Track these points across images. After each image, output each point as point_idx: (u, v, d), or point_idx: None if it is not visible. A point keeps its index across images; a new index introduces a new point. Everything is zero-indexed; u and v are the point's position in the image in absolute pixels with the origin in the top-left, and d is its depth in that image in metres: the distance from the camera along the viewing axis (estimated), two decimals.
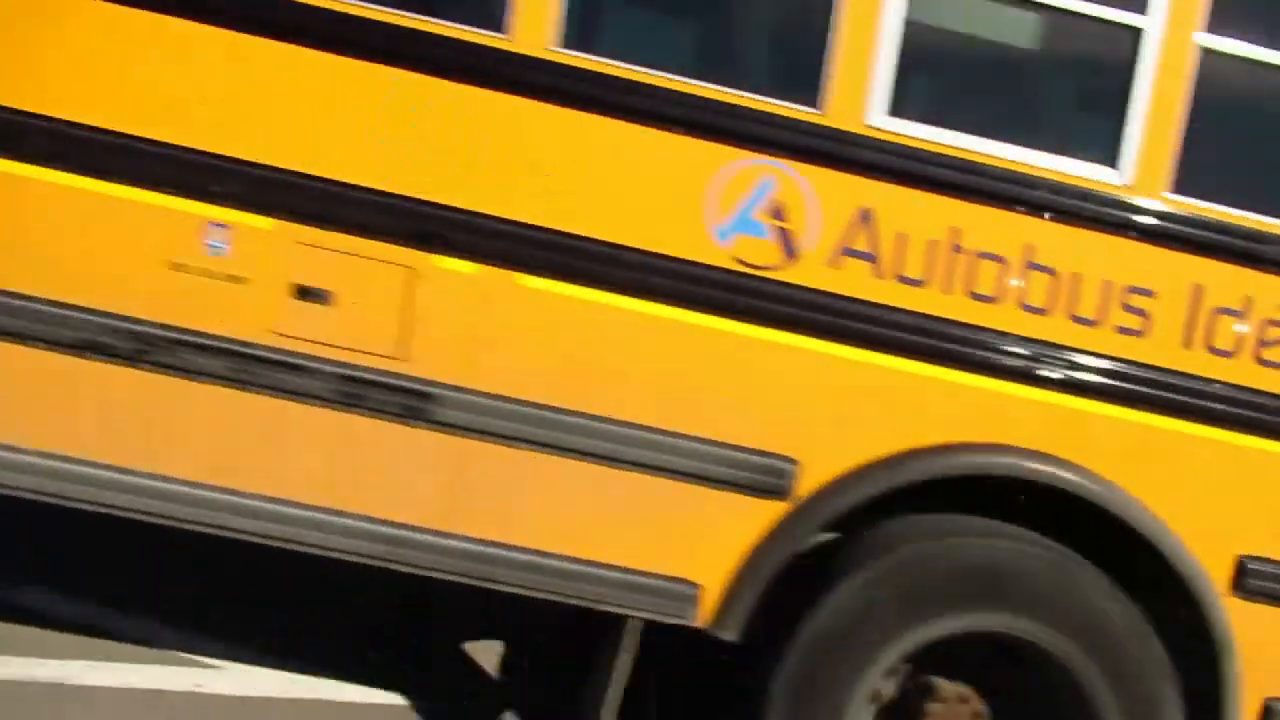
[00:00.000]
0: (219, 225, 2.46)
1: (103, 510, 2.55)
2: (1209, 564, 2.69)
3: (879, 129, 2.52)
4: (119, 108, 2.41)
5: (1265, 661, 2.73)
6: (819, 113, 2.52)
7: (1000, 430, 2.64)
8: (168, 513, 2.54)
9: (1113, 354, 2.62)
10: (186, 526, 2.57)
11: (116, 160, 2.43)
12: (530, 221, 2.50)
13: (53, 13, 2.40)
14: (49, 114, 2.40)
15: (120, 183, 2.43)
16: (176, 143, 2.43)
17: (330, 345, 2.51)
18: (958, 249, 2.57)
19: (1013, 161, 2.57)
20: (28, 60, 2.40)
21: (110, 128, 2.41)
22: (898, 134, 2.53)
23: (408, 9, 2.43)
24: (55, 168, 2.42)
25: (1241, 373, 2.66)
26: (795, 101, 2.52)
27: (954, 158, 2.55)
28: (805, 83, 2.51)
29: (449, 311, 2.53)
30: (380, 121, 2.48)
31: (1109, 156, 2.59)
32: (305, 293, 2.48)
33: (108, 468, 2.51)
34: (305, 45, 2.43)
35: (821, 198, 2.53)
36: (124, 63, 2.42)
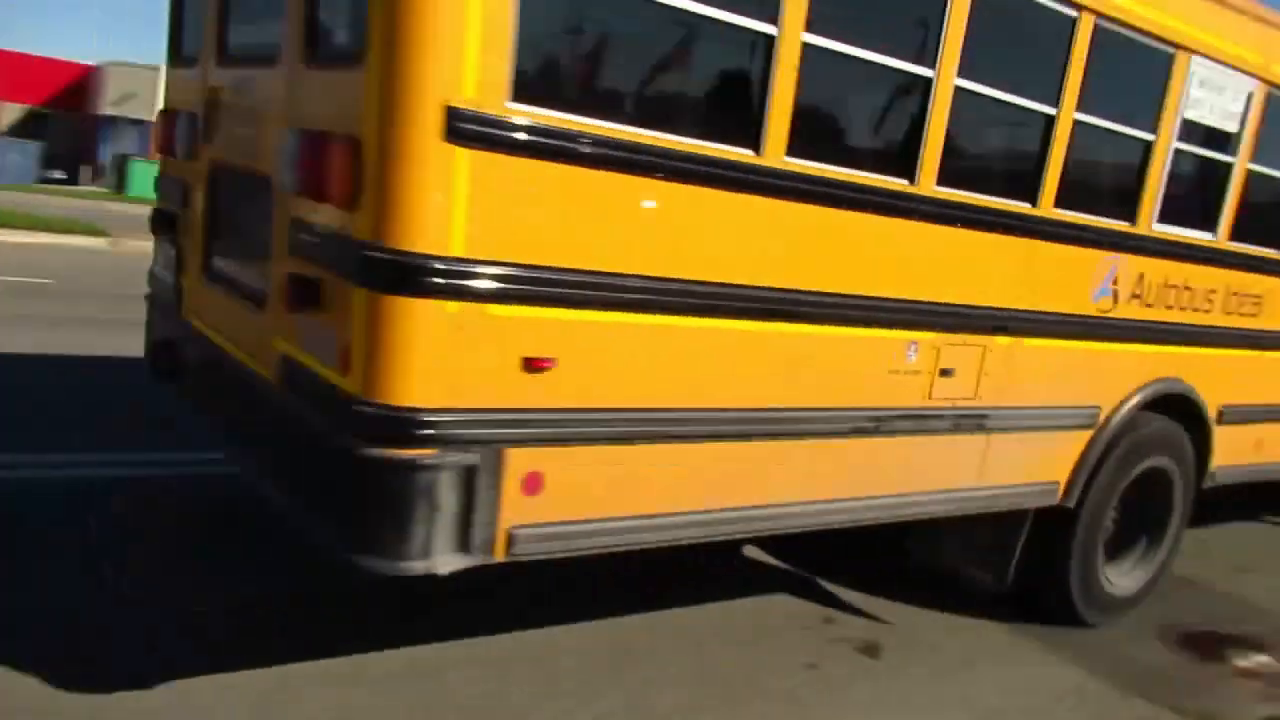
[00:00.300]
0: (913, 343, 4.01)
1: (836, 528, 4.09)
2: (1210, 411, 5.60)
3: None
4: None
5: (1224, 449, 5.78)
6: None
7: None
8: (870, 518, 4.19)
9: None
10: (871, 523, 4.21)
11: (872, 314, 3.87)
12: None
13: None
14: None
15: (873, 328, 3.90)
16: (895, 297, 3.92)
17: (952, 400, 4.24)
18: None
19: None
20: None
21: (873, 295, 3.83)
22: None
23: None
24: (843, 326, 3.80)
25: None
26: None
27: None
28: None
29: (996, 365, 4.37)
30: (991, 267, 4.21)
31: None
32: (944, 372, 4.16)
33: (842, 500, 4.05)
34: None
35: None
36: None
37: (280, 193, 3.34)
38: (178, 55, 4.76)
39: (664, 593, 4.93)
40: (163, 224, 4.69)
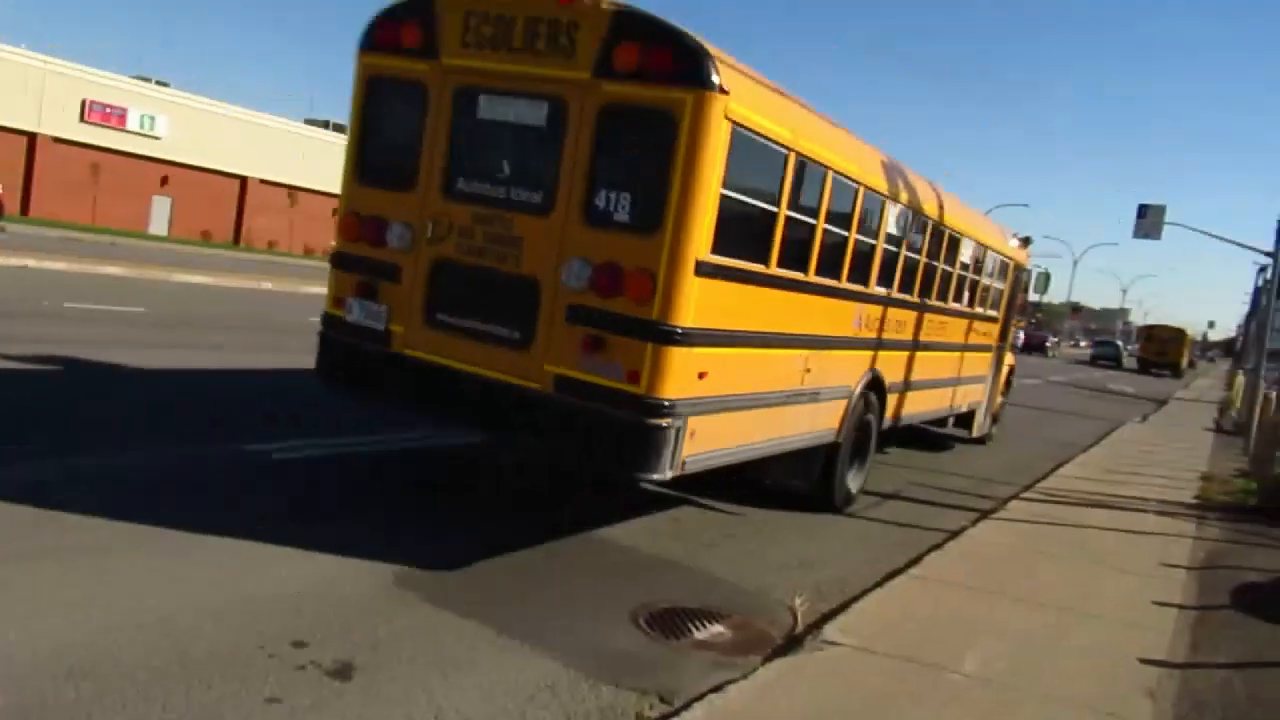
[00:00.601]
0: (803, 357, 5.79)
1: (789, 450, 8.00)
2: (888, 385, 9.76)
3: None
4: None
5: (892, 407, 10.14)
6: None
7: None
8: (794, 447, 8.02)
9: None
10: (792, 449, 8.05)
11: (835, 346, 7.73)
12: None
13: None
14: None
15: (837, 350, 8.24)
16: (852, 336, 7.75)
17: (809, 383, 7.86)
18: None
19: None
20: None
21: None
22: None
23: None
24: None
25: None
26: None
27: None
28: None
29: (819, 364, 7.93)
30: None
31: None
32: (807, 370, 7.60)
33: (794, 436, 7.98)
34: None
35: None
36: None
37: (558, 287, 6.05)
38: (361, 176, 6.94)
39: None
40: (362, 290, 6.81)
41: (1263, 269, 34.78)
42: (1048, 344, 72.27)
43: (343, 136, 51.43)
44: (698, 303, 5.96)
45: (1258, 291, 37.27)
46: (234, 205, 50.80)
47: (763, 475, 8.55)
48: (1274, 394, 18.21)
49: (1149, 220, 30.76)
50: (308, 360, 7.57)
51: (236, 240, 49.72)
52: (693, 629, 5.64)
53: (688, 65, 5.77)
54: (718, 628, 5.73)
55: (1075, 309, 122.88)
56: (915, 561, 7.47)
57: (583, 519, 7.46)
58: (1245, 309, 47.77)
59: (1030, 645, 5.91)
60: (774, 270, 6.95)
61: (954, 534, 8.65)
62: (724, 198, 6.03)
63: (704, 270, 5.96)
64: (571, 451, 6.32)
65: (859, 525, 8.86)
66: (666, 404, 5.89)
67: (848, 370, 8.65)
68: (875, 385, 9.29)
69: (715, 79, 5.75)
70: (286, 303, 23.05)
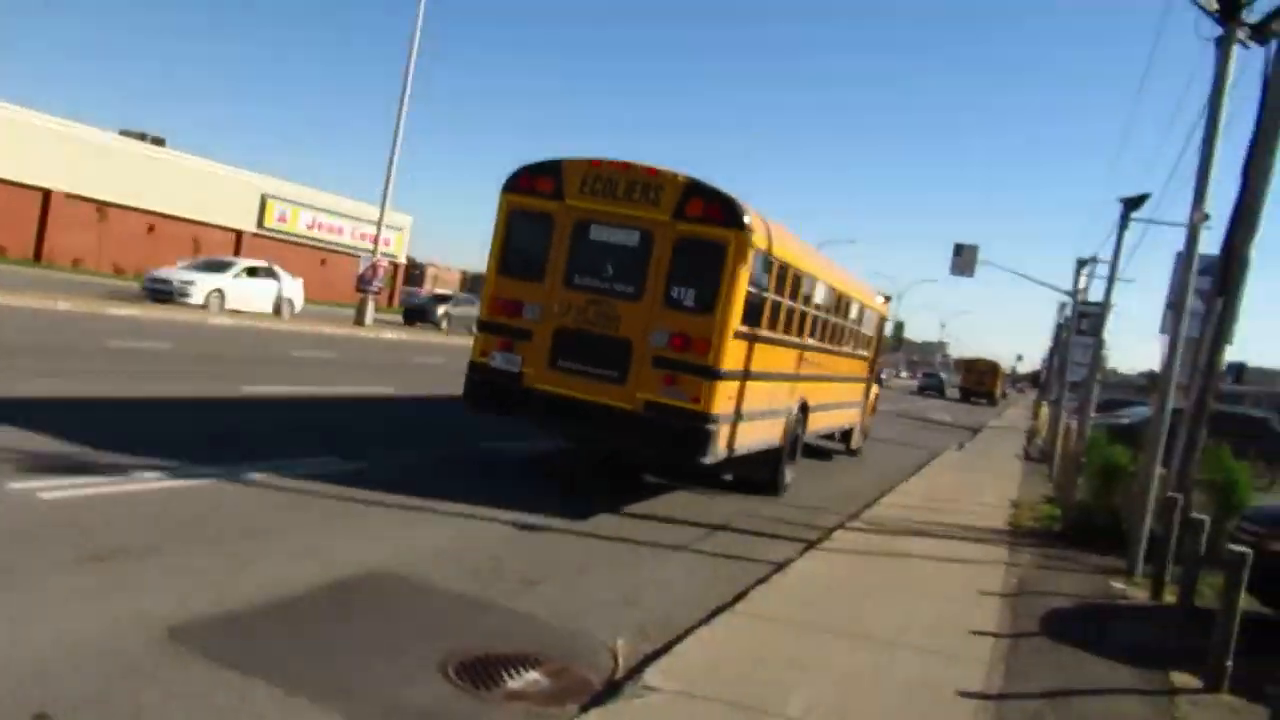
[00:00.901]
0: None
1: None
2: (811, 405, 13.84)
3: None
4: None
5: (810, 424, 14.16)
6: None
7: None
8: (764, 447, 11.89)
9: None
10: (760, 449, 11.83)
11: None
12: None
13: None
14: None
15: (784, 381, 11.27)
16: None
17: (781, 404, 12.46)
18: None
19: None
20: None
21: None
22: None
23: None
24: None
25: None
26: None
27: None
28: None
29: (777, 392, 12.04)
30: None
31: None
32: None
33: (770, 441, 12.17)
34: None
35: None
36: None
37: (646, 347, 9.92)
38: (503, 270, 10.68)
39: None
40: (504, 346, 10.47)
41: (1063, 306, 37.18)
42: (883, 376, 76.19)
43: (162, 150, 48.32)
44: (731, 355, 10.04)
45: (1059, 327, 39.85)
46: (35, 220, 47.12)
47: (722, 473, 12.14)
48: (1074, 424, 19.31)
49: (964, 259, 32.38)
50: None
51: (37, 257, 46.05)
52: (506, 677, 5.25)
53: (733, 217, 9.93)
54: (533, 675, 5.37)
55: (899, 342, 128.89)
56: (741, 596, 7.32)
57: (393, 559, 6.97)
58: (1049, 343, 51.06)
59: (855, 683, 5.80)
60: (764, 332, 11.10)
61: (780, 566, 8.58)
62: (748, 293, 10.17)
63: (738, 335, 10.17)
64: (655, 447, 10.34)
65: (686, 559, 8.68)
66: (715, 415, 9.87)
67: (789, 396, 12.75)
68: (803, 407, 13.44)
69: (748, 225, 9.95)
70: (87, 324, 21.27)
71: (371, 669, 5.02)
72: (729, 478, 12.47)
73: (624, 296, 10.09)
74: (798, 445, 13.61)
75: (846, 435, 19.17)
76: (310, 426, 12.31)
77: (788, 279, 11.62)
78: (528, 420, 11.08)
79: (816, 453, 18.48)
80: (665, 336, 9.87)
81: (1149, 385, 60.60)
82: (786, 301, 11.77)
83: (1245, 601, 6.70)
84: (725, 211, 9.88)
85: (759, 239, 10.16)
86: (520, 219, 10.61)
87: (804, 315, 12.84)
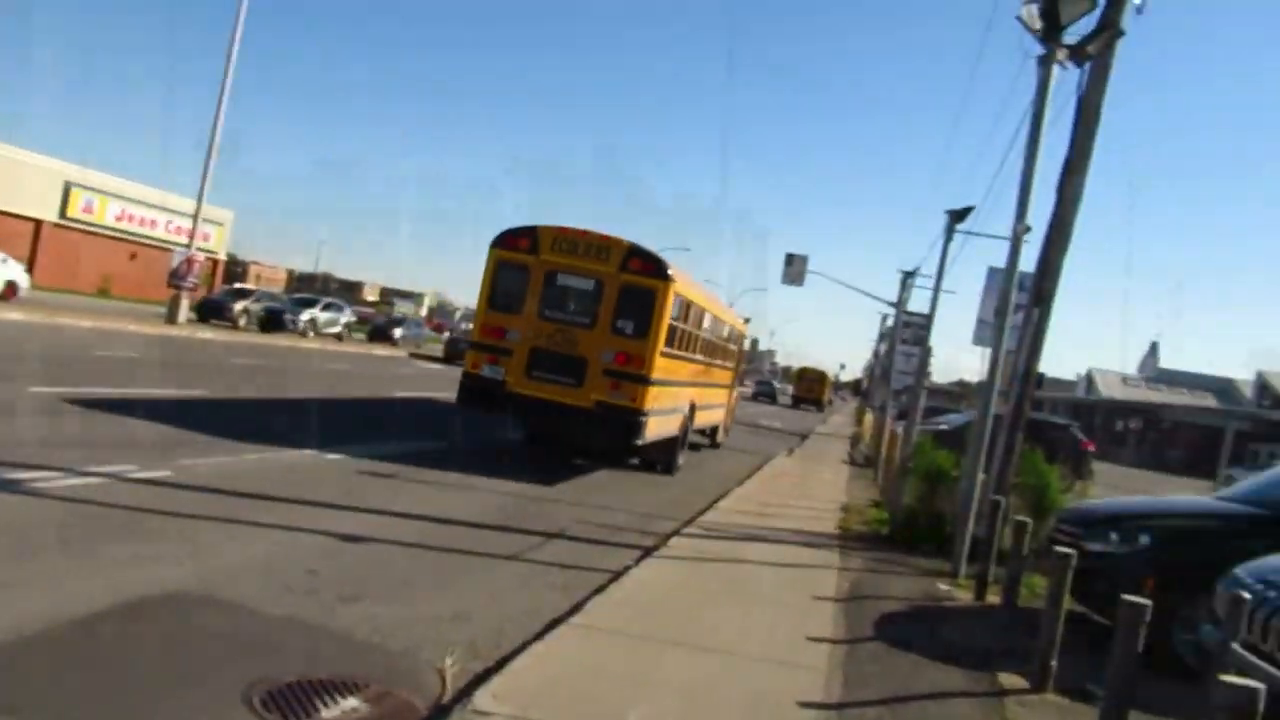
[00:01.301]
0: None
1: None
2: (699, 405, 18.51)
3: None
4: None
5: (696, 419, 18.49)
6: None
7: None
8: (666, 440, 16.48)
9: None
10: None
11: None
12: None
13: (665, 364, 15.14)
14: None
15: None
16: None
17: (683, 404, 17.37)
18: None
19: None
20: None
21: None
22: None
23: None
24: None
25: None
26: None
27: None
28: None
29: (676, 395, 16.52)
30: None
31: None
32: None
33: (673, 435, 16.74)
34: None
35: None
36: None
37: (598, 362, 14.05)
38: (491, 306, 14.57)
39: None
40: (491, 360, 14.32)
41: (885, 317, 38.74)
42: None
43: (41, 156, 44.47)
44: (658, 368, 14.14)
45: (881, 336, 41.53)
46: None
47: (631, 456, 16.29)
48: (899, 430, 19.96)
49: (794, 269, 33.31)
50: None
51: None
52: (320, 706, 4.74)
53: (662, 271, 14.29)
54: (352, 702, 4.87)
55: (753, 356, 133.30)
56: (577, 608, 6.99)
57: (192, 578, 6.30)
58: (869, 354, 53.25)
59: (695, 697, 5.57)
60: (676, 351, 15.27)
61: (617, 575, 8.30)
62: (670, 324, 14.37)
63: (663, 354, 14.31)
64: (603, 434, 14.51)
65: (519, 568, 8.29)
66: (646, 411, 13.96)
67: (684, 398, 16.64)
68: (692, 407, 17.39)
69: (671, 276, 14.32)
70: None
71: (162, 703, 4.43)
72: (635, 461, 16.52)
73: (582, 326, 14.13)
74: (687, 435, 17.70)
75: (714, 431, 23.42)
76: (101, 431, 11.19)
77: (690, 313, 16.09)
78: (509, 416, 15.58)
79: (691, 446, 19.24)
80: (612, 354, 13.96)
81: (961, 392, 64.13)
82: (690, 329, 16.20)
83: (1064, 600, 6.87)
84: (656, 267, 14.32)
85: (678, 287, 14.61)
86: (504, 268, 14.48)
87: (697, 338, 17.17)
